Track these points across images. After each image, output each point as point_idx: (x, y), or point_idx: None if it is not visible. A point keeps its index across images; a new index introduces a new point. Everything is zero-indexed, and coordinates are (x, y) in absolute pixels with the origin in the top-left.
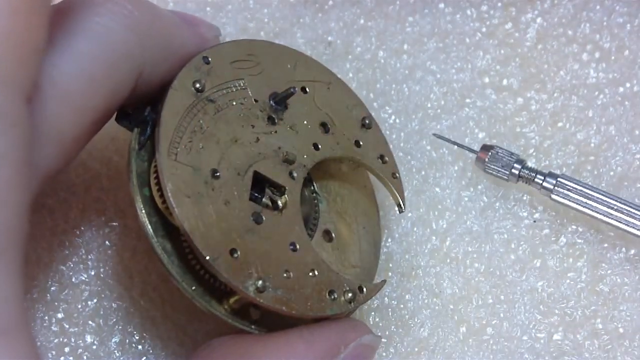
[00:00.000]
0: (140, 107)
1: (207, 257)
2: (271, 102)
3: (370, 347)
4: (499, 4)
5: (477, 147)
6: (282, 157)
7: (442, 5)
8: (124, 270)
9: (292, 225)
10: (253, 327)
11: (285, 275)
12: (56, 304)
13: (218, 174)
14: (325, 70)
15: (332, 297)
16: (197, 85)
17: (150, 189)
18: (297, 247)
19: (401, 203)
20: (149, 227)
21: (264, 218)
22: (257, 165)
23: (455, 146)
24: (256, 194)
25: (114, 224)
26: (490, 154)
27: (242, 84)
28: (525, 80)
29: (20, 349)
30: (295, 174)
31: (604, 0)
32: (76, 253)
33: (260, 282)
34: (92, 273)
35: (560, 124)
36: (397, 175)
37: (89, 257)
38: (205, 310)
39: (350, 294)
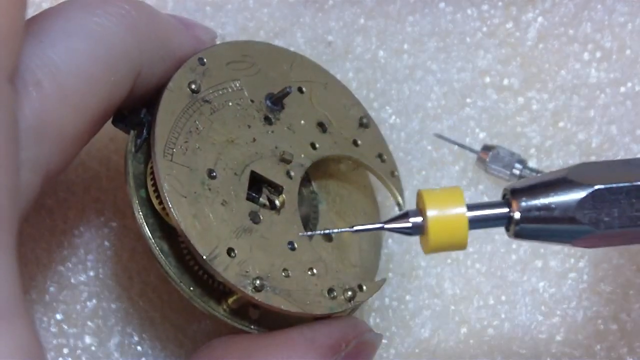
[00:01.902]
0: (136, 109)
1: (204, 257)
2: (267, 102)
3: (371, 345)
4: (500, 4)
5: (478, 147)
6: (279, 156)
7: (442, 5)
8: (123, 271)
9: (290, 224)
10: (253, 327)
11: (283, 274)
12: (55, 304)
13: (214, 174)
14: (321, 70)
15: (332, 295)
16: (193, 86)
17: (147, 190)
18: (295, 246)
19: (400, 202)
20: (146, 228)
21: (261, 217)
22: (253, 165)
23: (456, 146)
24: (253, 194)
25: (113, 224)
26: (491, 154)
27: (237, 85)
28: (526, 80)
29: (20, 333)
30: (292, 173)
31: None
32: (75, 254)
33: (258, 281)
34: (91, 274)
35: (561, 124)
36: (396, 173)
37: (88, 257)
38: (204, 311)
39: (349, 292)
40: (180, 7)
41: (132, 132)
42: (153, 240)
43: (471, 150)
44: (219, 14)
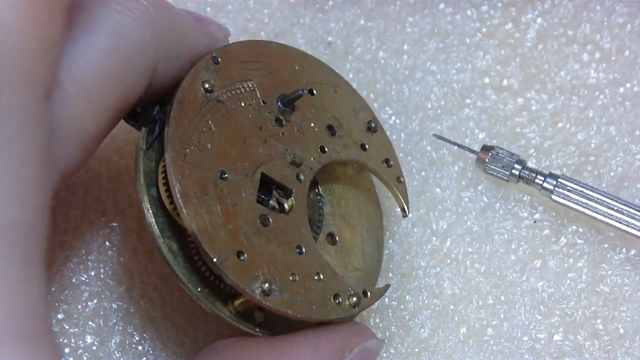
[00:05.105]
0: (148, 106)
1: (215, 259)
2: (279, 103)
3: (373, 351)
4: (499, 4)
5: (477, 148)
6: (290, 159)
7: (442, 6)
8: (124, 271)
9: (299, 228)
10: (257, 329)
11: (291, 278)
12: (56, 304)
13: (226, 175)
14: (332, 72)
15: (337, 301)
16: (207, 86)
17: (157, 189)
18: (303, 250)
19: (405, 207)
20: (156, 227)
21: (270, 220)
22: (264, 167)
23: (456, 147)
24: (263, 196)
25: (114, 224)
26: (490, 154)
27: (250, 85)
28: (525, 81)
29: (44, 354)
30: (302, 177)
31: (605, 0)
32: (76, 254)
33: (266, 284)
34: (92, 273)
35: (560, 125)
36: (402, 179)
37: (89, 257)
38: (210, 312)
39: (354, 298)
40: (181, 8)
41: (143, 129)
42: (162, 240)
43: (470, 150)
44: (220, 14)
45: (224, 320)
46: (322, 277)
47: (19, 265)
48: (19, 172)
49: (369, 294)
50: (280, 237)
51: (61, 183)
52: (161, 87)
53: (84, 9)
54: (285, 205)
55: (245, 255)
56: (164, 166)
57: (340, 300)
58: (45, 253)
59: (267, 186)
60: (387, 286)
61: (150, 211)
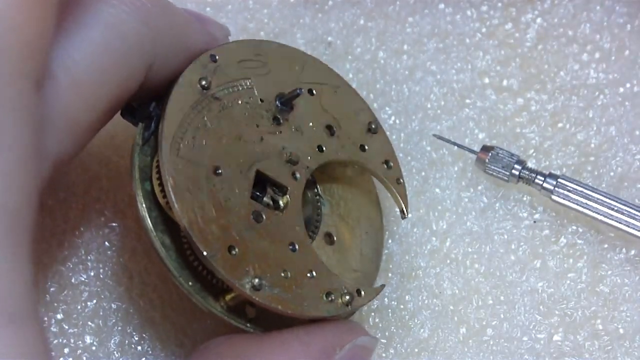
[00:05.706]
0: (145, 102)
1: (205, 253)
2: (277, 102)
3: (366, 348)
4: (499, 5)
5: (477, 148)
6: (286, 157)
7: (442, 6)
8: (124, 271)
9: (293, 225)
10: (249, 325)
11: (282, 274)
12: (55, 304)
13: (220, 170)
14: (333, 73)
15: (329, 298)
16: (203, 83)
17: (151, 183)
18: (297, 247)
19: (404, 209)
20: (149, 221)
21: (264, 217)
22: (260, 164)
23: (455, 147)
24: (257, 193)
25: (114, 224)
26: (490, 154)
27: (248, 84)
28: (525, 81)
29: (29, 337)
30: (298, 175)
31: (604, 0)
32: (75, 254)
33: (256, 280)
34: (92, 274)
35: (560, 125)
36: (402, 180)
37: (89, 257)
38: (201, 307)
39: (347, 297)
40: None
41: (140, 124)
42: (155, 234)
43: (470, 150)
44: (219, 14)
45: (215, 315)
46: (314, 274)
47: (4, 248)
48: (7, 160)
49: (362, 292)
50: (273, 234)
51: (53, 172)
52: (159, 84)
53: (81, 4)
54: (280, 203)
55: (237, 250)
56: (158, 161)
57: (333, 297)
58: (33, 240)
59: (263, 183)
60: (383, 286)
61: (144, 205)
